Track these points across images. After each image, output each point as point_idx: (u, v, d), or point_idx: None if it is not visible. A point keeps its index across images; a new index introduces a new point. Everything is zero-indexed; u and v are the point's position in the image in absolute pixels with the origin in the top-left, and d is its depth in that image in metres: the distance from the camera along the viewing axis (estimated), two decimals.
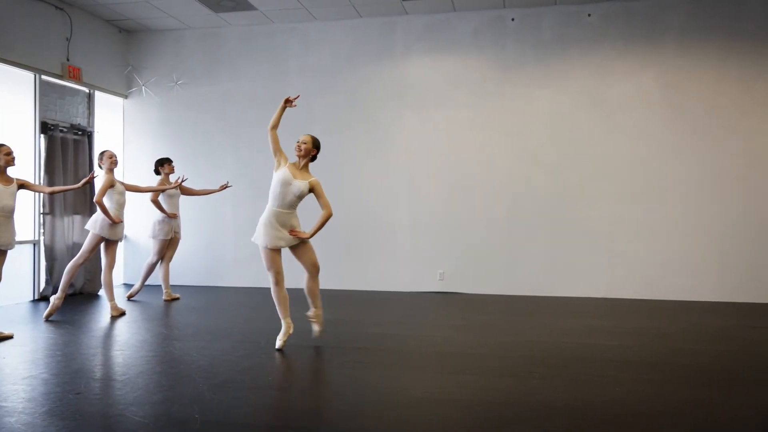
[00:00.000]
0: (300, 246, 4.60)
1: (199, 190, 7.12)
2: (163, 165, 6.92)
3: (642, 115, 7.12)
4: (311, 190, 4.51)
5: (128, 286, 7.88)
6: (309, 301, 4.79)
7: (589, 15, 7.24)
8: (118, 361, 4.42)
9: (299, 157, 4.59)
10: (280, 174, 4.52)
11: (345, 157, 7.80)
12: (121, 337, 5.20)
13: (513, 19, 7.42)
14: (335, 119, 7.87)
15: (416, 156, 7.66)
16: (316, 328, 4.77)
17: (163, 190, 6.68)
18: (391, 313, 6.27)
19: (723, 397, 3.48)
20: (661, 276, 7.04)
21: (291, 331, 4.67)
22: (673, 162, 7.03)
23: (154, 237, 6.86)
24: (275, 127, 4.67)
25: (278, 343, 4.59)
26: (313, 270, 4.70)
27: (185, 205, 7.47)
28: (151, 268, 6.96)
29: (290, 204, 4.51)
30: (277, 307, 4.67)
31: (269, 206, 4.53)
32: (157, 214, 6.85)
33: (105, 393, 3.63)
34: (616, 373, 3.95)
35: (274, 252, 4.54)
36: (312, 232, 4.50)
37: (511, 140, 7.40)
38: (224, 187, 6.99)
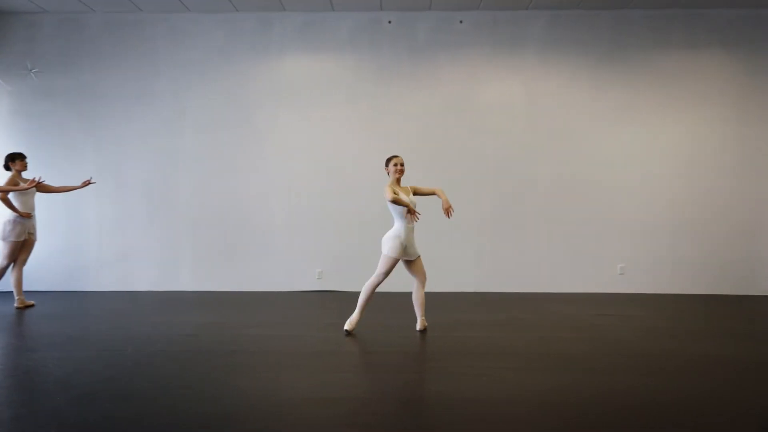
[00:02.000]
0: (416, 260, 5.25)
1: (58, 187, 6.57)
2: (14, 161, 6.33)
3: (507, 118, 7.58)
4: (415, 193, 5.24)
5: None
6: (418, 311, 5.31)
7: (461, 21, 7.58)
8: None
9: (398, 179, 5.20)
10: (407, 199, 5.09)
11: (218, 155, 7.59)
12: None
13: (390, 22, 7.59)
14: (208, 116, 7.62)
15: (292, 155, 7.61)
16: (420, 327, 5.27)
17: (11, 190, 6.10)
18: (267, 314, 6.19)
19: (579, 382, 3.80)
20: (524, 269, 7.55)
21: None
22: (534, 163, 7.56)
23: (4, 239, 6.25)
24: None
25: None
26: (424, 279, 5.32)
27: (42, 203, 6.89)
28: (1, 273, 6.35)
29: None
30: (364, 300, 5.25)
31: (400, 225, 5.08)
32: (8, 214, 6.26)
33: None
34: (483, 363, 4.19)
35: (395, 261, 5.12)
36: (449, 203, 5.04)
37: (385, 141, 7.56)
38: (87, 183, 6.51)
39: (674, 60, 7.52)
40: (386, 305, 6.57)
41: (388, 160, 5.23)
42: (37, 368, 4.07)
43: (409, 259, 5.19)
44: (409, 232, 5.11)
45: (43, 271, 7.46)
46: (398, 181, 5.20)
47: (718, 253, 7.48)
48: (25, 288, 6.63)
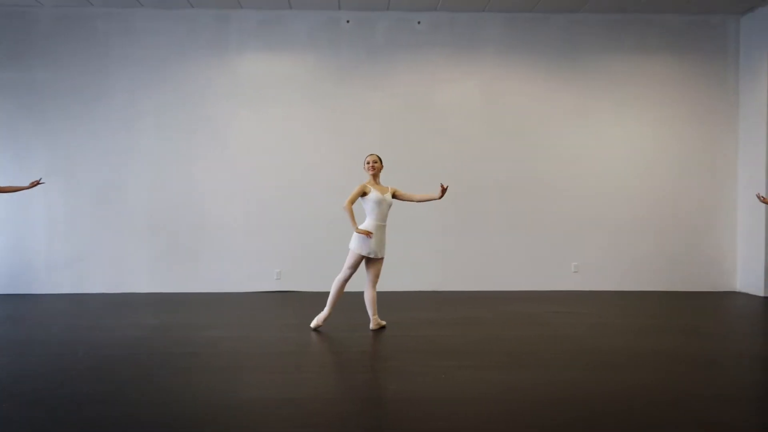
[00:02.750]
0: (378, 261, 5.22)
1: (5, 187, 6.33)
2: None
3: (465, 119, 7.67)
4: (394, 195, 5.23)
5: None
6: (370, 310, 5.28)
7: (419, 22, 7.63)
8: None
9: (373, 175, 5.19)
10: (372, 195, 5.11)
11: (173, 155, 7.46)
12: None
13: (348, 21, 7.59)
14: (163, 114, 7.47)
15: (250, 154, 7.53)
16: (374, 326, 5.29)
17: None
18: (225, 315, 6.11)
19: (533, 379, 3.88)
20: (483, 269, 7.66)
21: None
22: (491, 163, 7.68)
23: None
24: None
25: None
26: (377, 280, 5.26)
27: None
28: None
29: (385, 216, 5.17)
30: (334, 296, 5.25)
31: (369, 221, 5.10)
32: None
33: None
34: (442, 363, 4.23)
35: (361, 257, 5.14)
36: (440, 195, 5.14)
37: (344, 140, 7.56)
38: (35, 183, 6.28)
39: (626, 63, 7.74)
40: (348, 305, 6.57)
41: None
42: None
43: (373, 257, 5.17)
44: (378, 230, 5.12)
45: None
46: (375, 178, 5.19)
47: (670, 251, 7.74)
48: None
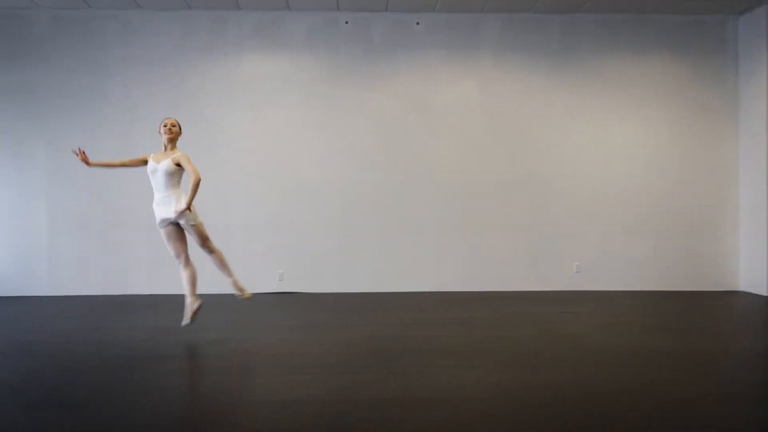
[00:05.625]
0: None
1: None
2: None
3: (463, 119, 7.67)
4: (177, 164, 4.80)
5: None
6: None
7: (417, 23, 7.63)
8: None
9: (170, 140, 4.89)
10: (148, 167, 4.87)
11: None
12: None
13: (347, 22, 7.58)
14: (162, 116, 7.43)
15: (248, 156, 7.52)
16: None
17: None
18: (227, 317, 6.09)
19: (535, 378, 3.87)
20: (483, 269, 7.65)
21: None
22: (490, 163, 7.67)
23: None
24: (122, 165, 5.08)
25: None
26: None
27: None
28: None
29: (163, 186, 4.81)
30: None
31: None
32: None
33: None
34: (443, 363, 4.22)
35: (165, 231, 4.90)
36: (187, 202, 4.72)
37: (342, 141, 7.56)
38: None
39: (623, 63, 7.75)
40: (345, 306, 6.56)
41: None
42: None
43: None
44: (161, 201, 4.87)
45: None
46: (171, 143, 4.89)
47: (672, 250, 7.74)
48: None
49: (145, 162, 4.96)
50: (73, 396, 3.56)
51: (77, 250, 7.37)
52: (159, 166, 4.80)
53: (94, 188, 7.40)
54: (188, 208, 4.74)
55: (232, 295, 7.24)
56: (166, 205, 4.82)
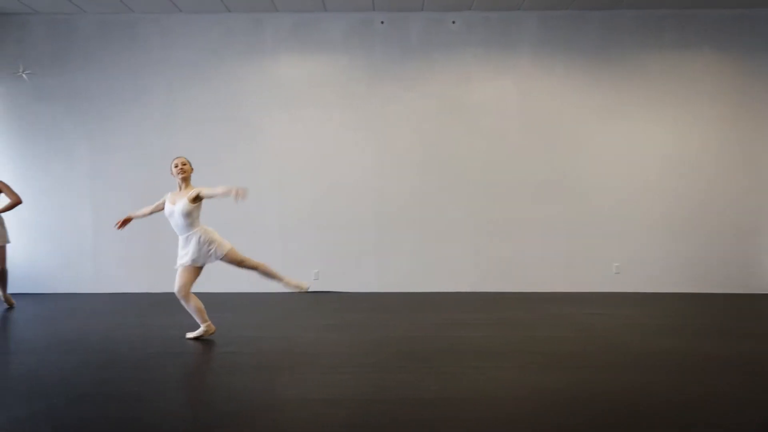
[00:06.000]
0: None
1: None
2: None
3: (500, 118, 7.60)
4: (195, 197, 4.75)
5: None
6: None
7: (453, 22, 7.59)
8: None
9: (183, 179, 4.83)
10: (165, 211, 4.87)
11: (211, 156, 7.55)
12: None
13: (382, 22, 7.60)
14: (201, 116, 7.59)
15: (285, 156, 7.60)
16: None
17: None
18: (265, 315, 6.18)
19: (572, 381, 3.82)
20: (520, 269, 7.58)
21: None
22: (527, 162, 7.59)
23: None
24: (152, 212, 5.16)
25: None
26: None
27: (34, 205, 6.85)
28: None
29: (183, 227, 4.80)
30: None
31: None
32: None
33: None
34: (479, 363, 4.20)
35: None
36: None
37: (378, 141, 7.58)
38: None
39: (665, 60, 7.57)
40: (382, 306, 6.58)
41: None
42: (36, 370, 4.05)
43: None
44: (184, 241, 4.89)
45: (35, 273, 7.44)
46: (184, 182, 4.83)
47: (712, 252, 7.53)
48: (9, 290, 6.66)
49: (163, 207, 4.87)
50: (114, 392, 3.67)
51: (121, 248, 7.56)
52: (175, 207, 4.74)
53: (136, 188, 7.59)
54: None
55: (270, 294, 7.37)
56: (184, 248, 4.80)
